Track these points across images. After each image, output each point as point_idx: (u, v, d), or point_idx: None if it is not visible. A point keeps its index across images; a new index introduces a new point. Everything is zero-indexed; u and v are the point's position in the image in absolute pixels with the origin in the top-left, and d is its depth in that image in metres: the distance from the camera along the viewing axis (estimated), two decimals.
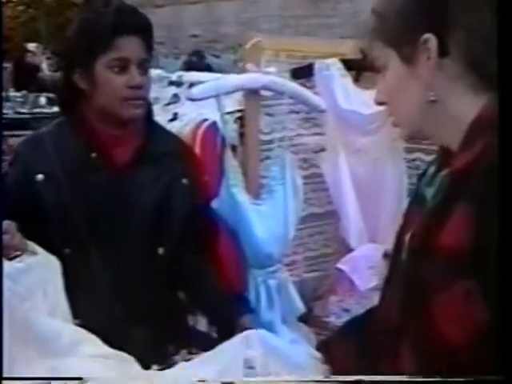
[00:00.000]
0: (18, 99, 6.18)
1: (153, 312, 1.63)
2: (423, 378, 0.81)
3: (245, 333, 1.57)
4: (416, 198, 1.00)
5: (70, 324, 1.39)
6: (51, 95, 5.74)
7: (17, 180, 1.51)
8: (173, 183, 1.63)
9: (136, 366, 1.39)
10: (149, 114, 1.68)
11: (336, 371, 1.40)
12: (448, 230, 0.82)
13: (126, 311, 1.56)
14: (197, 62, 6.71)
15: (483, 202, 0.79)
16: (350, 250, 2.17)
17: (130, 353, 1.39)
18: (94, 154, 1.57)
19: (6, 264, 1.30)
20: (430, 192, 0.93)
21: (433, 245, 0.83)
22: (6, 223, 1.33)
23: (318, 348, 1.48)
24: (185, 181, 1.66)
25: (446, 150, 0.92)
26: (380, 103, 0.96)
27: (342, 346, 1.35)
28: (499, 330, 0.76)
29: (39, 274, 1.37)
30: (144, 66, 1.57)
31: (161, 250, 1.62)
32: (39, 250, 1.41)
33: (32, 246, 1.40)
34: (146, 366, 1.55)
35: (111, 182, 1.58)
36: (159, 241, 1.62)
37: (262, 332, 1.57)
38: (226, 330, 1.65)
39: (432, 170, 0.97)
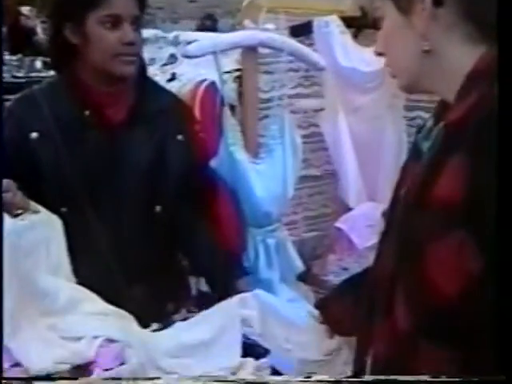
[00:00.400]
0: (14, 63, 6.12)
1: (151, 271, 1.64)
2: (423, 378, 0.81)
3: (242, 295, 1.59)
4: (413, 152, 1.00)
5: (70, 282, 1.40)
6: (47, 59, 5.66)
7: (11, 138, 1.49)
8: (168, 140, 1.63)
9: (135, 325, 1.41)
10: (142, 71, 1.66)
11: (333, 329, 1.41)
12: (442, 181, 0.82)
13: (125, 270, 1.57)
14: (210, 25, 6.64)
15: (478, 153, 0.78)
16: (348, 209, 2.17)
17: (129, 311, 1.41)
18: (87, 112, 1.55)
19: (10, 221, 1.30)
20: (426, 145, 0.93)
21: (427, 196, 0.83)
22: (6, 181, 1.34)
23: (317, 306, 1.49)
24: (180, 137, 1.65)
25: (443, 102, 0.92)
26: (379, 54, 0.96)
27: (340, 304, 1.36)
28: (493, 281, 0.76)
29: (42, 232, 1.37)
30: (136, 23, 1.55)
31: (158, 208, 1.62)
32: (41, 208, 1.41)
33: (34, 204, 1.41)
34: (145, 325, 1.57)
35: (106, 140, 1.57)
36: (156, 199, 1.62)
37: (259, 292, 1.59)
38: (223, 291, 1.67)
39: (430, 123, 0.96)
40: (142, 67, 1.66)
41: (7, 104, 1.64)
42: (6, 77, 5.77)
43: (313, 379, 0.91)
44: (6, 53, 6.24)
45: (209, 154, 1.84)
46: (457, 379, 0.79)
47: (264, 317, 1.52)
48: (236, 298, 1.57)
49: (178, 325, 1.55)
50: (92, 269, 1.45)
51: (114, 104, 1.59)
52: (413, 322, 0.85)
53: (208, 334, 1.51)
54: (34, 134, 1.53)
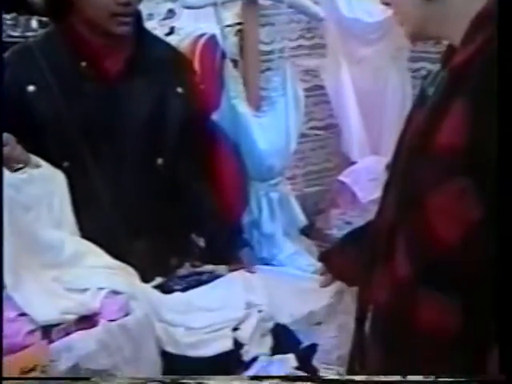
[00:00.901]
0: (9, 22, 6.03)
1: (154, 224, 1.63)
2: (423, 378, 0.81)
3: (246, 274, 1.58)
4: (418, 99, 0.99)
5: (75, 236, 1.39)
6: (43, 18, 5.59)
7: (8, 91, 1.46)
8: (167, 92, 1.61)
9: (137, 280, 1.41)
10: (139, 22, 1.63)
11: (336, 277, 1.41)
12: (445, 128, 0.81)
13: (128, 224, 1.56)
14: None
15: (481, 99, 0.77)
16: (351, 164, 2.15)
17: (132, 265, 1.40)
18: (83, 63, 1.53)
19: (9, 175, 1.29)
20: (431, 90, 0.92)
21: (430, 143, 0.83)
22: (5, 135, 1.32)
23: (320, 259, 1.49)
24: (179, 89, 1.63)
25: (450, 47, 0.91)
26: (385, 3, 0.97)
27: (343, 256, 1.36)
28: (493, 229, 0.75)
29: (44, 186, 1.36)
30: None
31: (159, 161, 1.60)
32: (43, 163, 1.39)
33: (35, 159, 1.39)
34: (149, 279, 1.57)
35: (104, 92, 1.55)
36: (157, 151, 1.61)
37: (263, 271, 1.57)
38: (222, 260, 1.68)
39: (436, 68, 0.96)
40: (138, 18, 1.63)
41: (4, 57, 1.62)
42: (2, 36, 5.70)
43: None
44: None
45: (210, 107, 1.82)
46: (457, 379, 0.79)
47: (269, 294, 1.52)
48: (240, 280, 1.57)
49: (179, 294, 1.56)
50: (95, 223, 1.44)
51: (111, 55, 1.57)
52: (413, 269, 0.85)
53: (214, 302, 1.52)
54: (31, 87, 1.51)
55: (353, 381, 0.89)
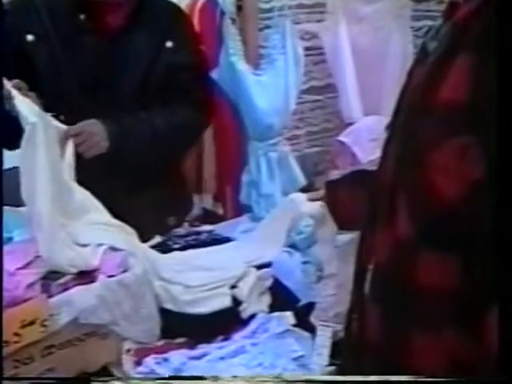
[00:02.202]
0: None
1: (152, 181, 1.62)
2: (423, 378, 0.80)
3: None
4: (420, 54, 0.97)
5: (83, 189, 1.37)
6: None
7: (7, 40, 1.44)
8: (164, 46, 1.60)
9: (136, 239, 1.41)
10: None
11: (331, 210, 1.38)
12: (447, 83, 0.79)
13: (126, 180, 1.56)
14: None
15: (483, 54, 0.75)
16: (351, 124, 2.12)
17: (131, 223, 1.40)
18: (82, 16, 1.51)
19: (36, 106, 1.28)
20: (432, 45, 0.89)
21: (432, 99, 0.81)
22: (16, 82, 1.30)
23: (326, 187, 1.45)
24: (171, 44, 1.62)
25: (453, 1, 0.88)
26: None
27: (347, 191, 1.34)
28: (495, 187, 0.74)
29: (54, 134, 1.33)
30: None
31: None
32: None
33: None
34: (148, 238, 1.57)
35: (102, 45, 1.54)
36: (154, 104, 1.60)
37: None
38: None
39: (438, 23, 0.93)
40: None
41: (4, 5, 1.59)
42: None
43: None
44: None
45: (209, 64, 1.79)
46: (457, 379, 0.78)
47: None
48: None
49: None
50: (94, 179, 1.43)
51: (112, 11, 1.56)
52: (414, 227, 0.84)
53: (212, 261, 1.52)
54: (30, 37, 1.49)
55: (352, 381, 0.88)
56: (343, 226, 1.31)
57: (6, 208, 1.42)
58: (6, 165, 1.36)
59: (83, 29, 1.53)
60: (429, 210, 0.81)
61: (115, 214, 1.38)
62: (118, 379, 0.99)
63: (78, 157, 1.40)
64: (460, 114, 0.76)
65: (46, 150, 1.19)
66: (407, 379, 0.80)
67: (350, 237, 1.61)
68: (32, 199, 1.16)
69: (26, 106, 1.23)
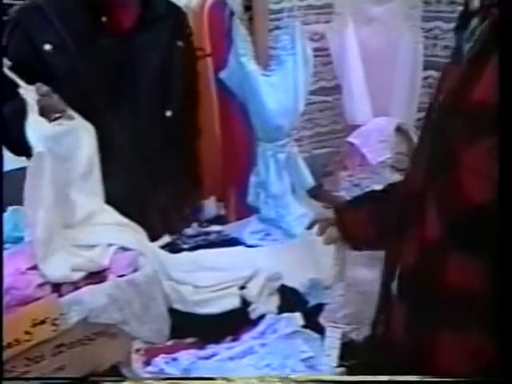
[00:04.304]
0: None
1: (162, 181, 1.63)
2: (424, 378, 0.79)
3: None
4: (454, 55, 0.96)
5: (90, 195, 1.37)
6: None
7: (22, 51, 1.45)
8: (174, 46, 1.62)
9: (145, 238, 1.41)
10: None
11: (345, 237, 1.39)
12: (480, 84, 0.78)
13: (139, 177, 1.57)
14: None
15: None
16: (356, 126, 2.11)
17: (142, 221, 1.41)
18: (104, 18, 1.53)
19: (48, 126, 1.28)
20: (468, 46, 0.89)
21: (464, 100, 0.80)
22: (39, 85, 1.31)
23: (335, 210, 1.45)
24: (180, 43, 1.64)
25: (488, 4, 0.87)
26: None
27: (355, 215, 1.34)
28: None
29: (76, 138, 1.34)
30: None
31: (168, 113, 1.61)
32: (75, 115, 1.38)
33: (70, 110, 1.37)
34: (157, 237, 1.57)
35: (119, 46, 1.56)
36: (166, 104, 1.61)
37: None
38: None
39: (474, 23, 0.92)
40: None
41: (11, 15, 1.60)
42: None
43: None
44: None
45: (218, 65, 1.80)
46: (457, 379, 0.78)
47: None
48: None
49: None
50: (109, 177, 1.44)
51: (124, 12, 1.58)
52: (443, 229, 0.83)
53: (221, 262, 1.52)
54: (48, 46, 1.50)
55: (360, 381, 0.88)
56: (356, 247, 1.31)
57: (17, 207, 1.43)
58: (19, 164, 1.37)
59: (101, 31, 1.54)
60: (458, 212, 0.81)
61: (126, 210, 1.39)
62: (129, 380, 1.00)
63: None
64: (489, 115, 0.76)
65: (52, 178, 1.19)
66: (414, 379, 0.80)
67: None
68: (33, 228, 1.16)
69: (35, 132, 1.23)
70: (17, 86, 1.31)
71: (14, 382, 1.00)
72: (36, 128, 1.24)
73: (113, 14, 1.56)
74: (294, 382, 0.83)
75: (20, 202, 1.22)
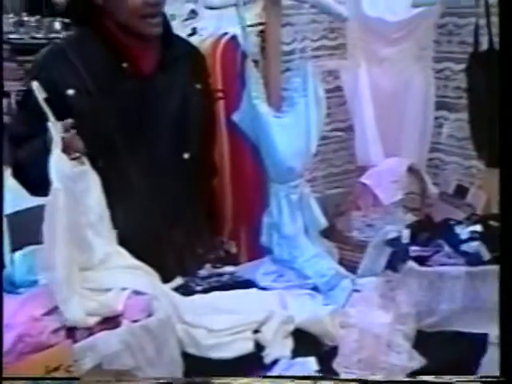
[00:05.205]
0: (33, 24, 6.13)
1: (178, 220, 1.65)
2: (424, 378, 0.79)
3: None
4: None
5: (103, 238, 1.38)
6: (66, 20, 5.71)
7: (46, 94, 1.47)
8: (190, 90, 1.65)
9: (158, 280, 1.41)
10: (166, 23, 1.66)
11: None
12: None
13: (153, 218, 1.58)
14: None
15: None
16: (367, 167, 2.12)
17: (155, 263, 1.41)
18: (125, 64, 1.56)
19: (67, 165, 1.30)
20: None
21: None
22: (64, 123, 1.33)
23: None
24: (198, 86, 1.66)
25: None
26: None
27: None
28: None
29: (87, 181, 1.36)
30: None
31: (186, 155, 1.63)
32: (86, 161, 1.40)
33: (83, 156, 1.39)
34: (170, 279, 1.57)
35: (140, 91, 1.59)
36: (184, 146, 1.63)
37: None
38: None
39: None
40: (165, 20, 1.66)
41: (37, 59, 1.64)
42: (25, 38, 5.84)
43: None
44: (24, 14, 6.26)
45: (231, 107, 1.82)
46: (458, 379, 0.77)
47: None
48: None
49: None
50: (124, 219, 1.44)
51: (145, 57, 1.62)
52: None
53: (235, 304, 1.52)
54: (71, 91, 1.53)
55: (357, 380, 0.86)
56: None
57: (31, 247, 1.44)
58: (35, 203, 1.38)
59: (122, 76, 1.57)
60: None
61: (140, 252, 1.39)
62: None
63: (109, 194, 1.41)
64: None
65: (67, 218, 1.20)
66: (409, 379, 0.78)
67: (370, 280, 1.61)
68: (51, 267, 1.17)
69: (56, 168, 1.24)
70: (43, 120, 1.32)
71: (13, 382, 0.99)
72: (57, 164, 1.26)
73: (134, 59, 1.60)
74: None
75: (35, 242, 1.23)
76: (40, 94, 1.33)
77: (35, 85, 1.34)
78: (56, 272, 1.16)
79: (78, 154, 1.35)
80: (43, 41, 5.66)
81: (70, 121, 1.34)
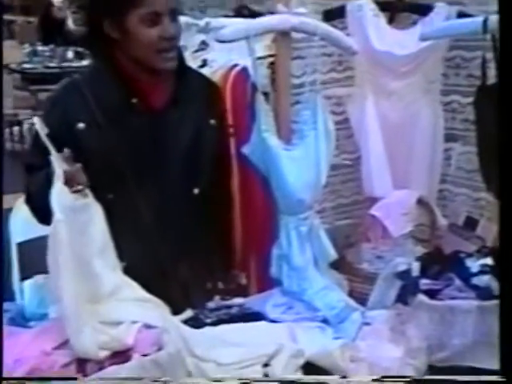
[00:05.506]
0: (46, 53, 6.24)
1: (187, 253, 1.65)
2: (424, 377, 0.79)
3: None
4: None
5: (114, 269, 1.39)
6: (79, 49, 5.81)
7: (56, 127, 1.49)
8: (202, 124, 1.65)
9: (168, 313, 1.41)
10: (180, 58, 1.67)
11: None
12: None
13: (162, 251, 1.58)
14: (246, 14, 6.58)
15: None
16: (375, 199, 2.13)
17: (165, 295, 1.41)
18: (134, 100, 1.57)
19: (69, 197, 1.32)
20: None
21: None
22: (67, 152, 1.35)
23: None
24: (213, 122, 1.67)
25: None
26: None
27: None
28: None
29: (90, 214, 1.37)
30: (175, 16, 1.56)
31: (196, 191, 1.64)
32: (89, 193, 1.41)
33: (86, 189, 1.41)
34: (180, 311, 1.57)
35: (150, 126, 1.60)
36: (194, 181, 1.64)
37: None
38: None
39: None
40: (180, 53, 1.67)
41: (52, 92, 1.66)
42: (39, 67, 5.96)
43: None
44: (38, 43, 6.39)
45: (241, 139, 1.83)
46: (458, 379, 0.77)
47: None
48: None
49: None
50: (133, 252, 1.45)
51: (157, 92, 1.63)
52: None
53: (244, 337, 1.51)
54: (81, 125, 1.55)
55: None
56: None
57: (40, 280, 1.45)
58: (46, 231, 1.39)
59: (134, 112, 1.59)
60: None
61: (151, 285, 1.39)
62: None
63: (118, 227, 1.42)
64: None
65: (71, 249, 1.22)
66: (409, 379, 0.78)
67: (380, 313, 1.60)
68: (58, 296, 1.18)
69: (58, 200, 1.26)
70: (46, 154, 1.34)
71: (13, 381, 0.99)
72: (59, 196, 1.29)
73: (144, 94, 1.60)
74: None
75: (45, 271, 1.25)
76: (42, 130, 1.36)
77: (37, 120, 1.37)
78: (64, 304, 1.16)
79: (80, 187, 1.36)
80: (56, 70, 5.78)
81: (68, 153, 1.36)
